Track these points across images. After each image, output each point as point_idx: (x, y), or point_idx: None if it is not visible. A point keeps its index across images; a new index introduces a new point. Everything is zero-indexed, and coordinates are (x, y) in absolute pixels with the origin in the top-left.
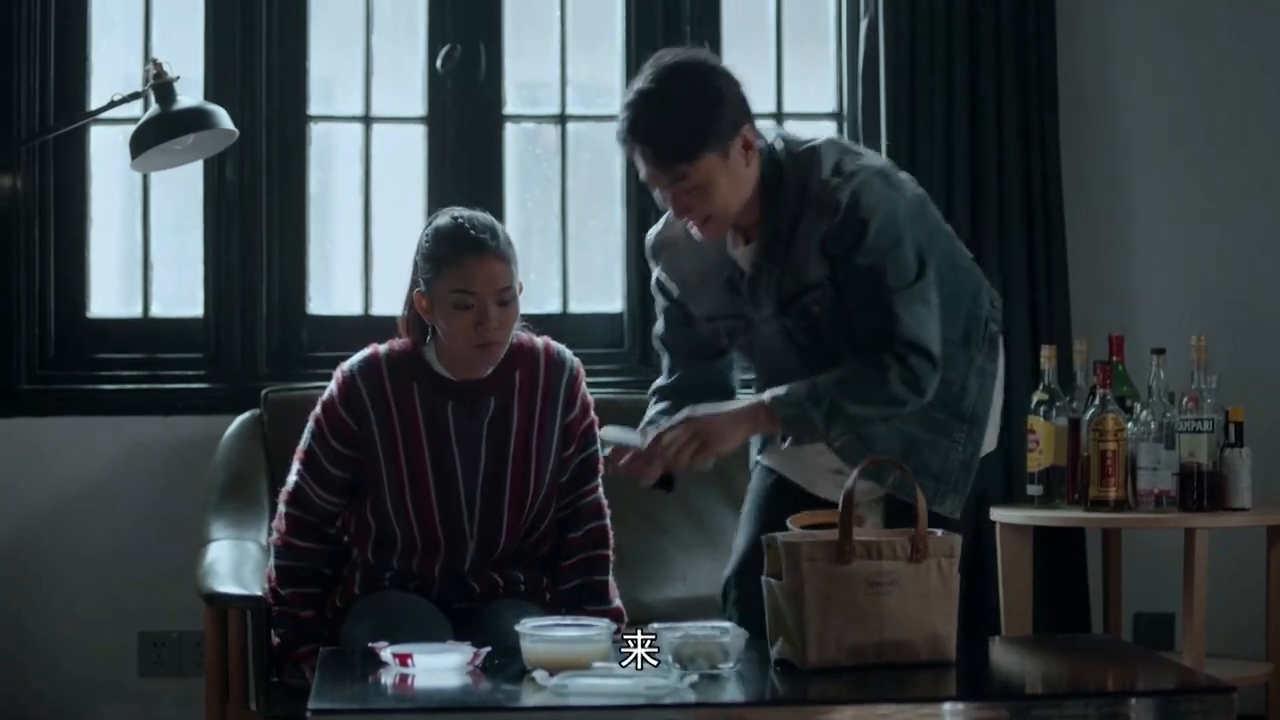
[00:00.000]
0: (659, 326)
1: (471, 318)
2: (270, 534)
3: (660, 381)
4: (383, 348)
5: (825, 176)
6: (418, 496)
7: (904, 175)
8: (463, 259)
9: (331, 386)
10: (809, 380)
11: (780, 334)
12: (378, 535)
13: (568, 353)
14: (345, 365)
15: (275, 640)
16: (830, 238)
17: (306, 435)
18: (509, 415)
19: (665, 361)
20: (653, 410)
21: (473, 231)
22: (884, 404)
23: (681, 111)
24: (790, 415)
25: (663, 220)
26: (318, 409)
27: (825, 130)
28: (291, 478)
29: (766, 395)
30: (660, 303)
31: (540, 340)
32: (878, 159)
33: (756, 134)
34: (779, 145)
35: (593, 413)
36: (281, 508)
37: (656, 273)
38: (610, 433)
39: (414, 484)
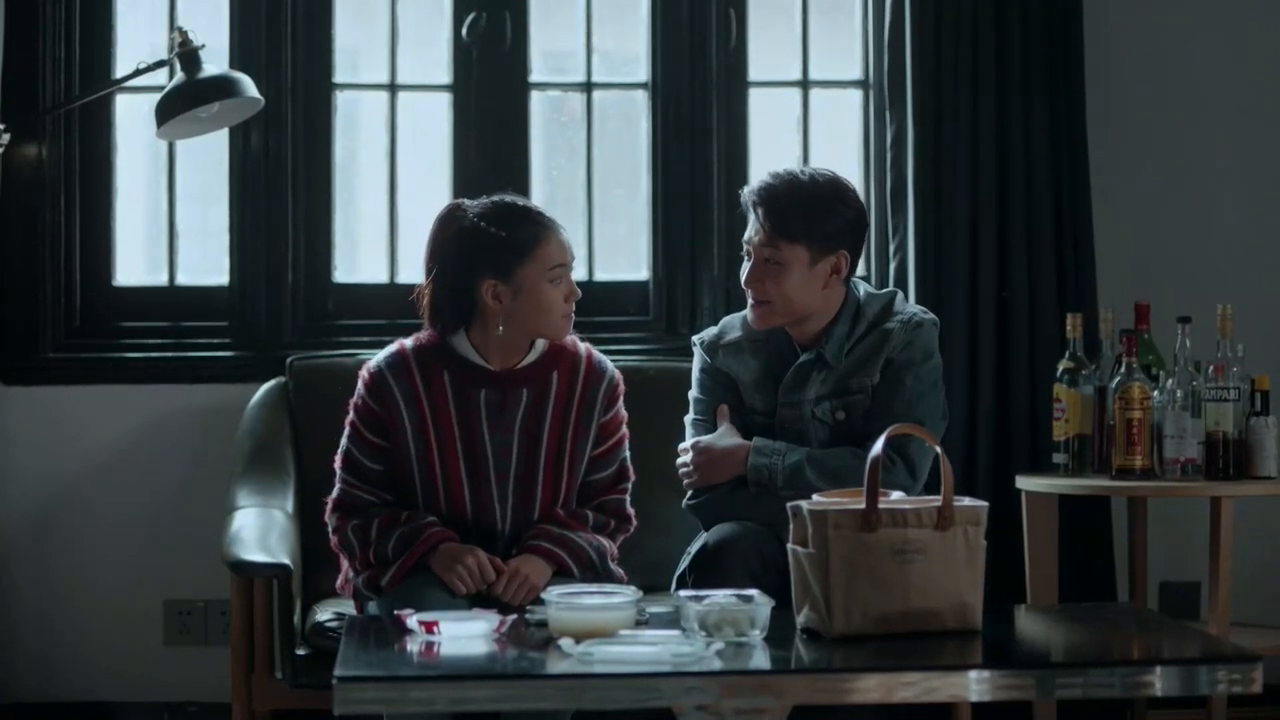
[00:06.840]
0: (698, 393)
1: (563, 289)
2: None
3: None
4: (408, 342)
5: (901, 309)
6: (449, 484)
7: None
8: (550, 236)
9: (359, 386)
10: (791, 445)
11: (800, 421)
12: None
13: (609, 363)
14: (370, 363)
15: (394, 567)
16: (898, 350)
17: (343, 440)
18: (542, 415)
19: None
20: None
21: (535, 211)
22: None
23: (808, 201)
24: (759, 463)
25: (719, 326)
26: (350, 412)
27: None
28: (336, 487)
29: (755, 439)
30: (701, 389)
31: (584, 346)
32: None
33: (848, 268)
34: (861, 287)
35: (625, 428)
36: (331, 520)
37: (709, 363)
38: None
39: (445, 470)
